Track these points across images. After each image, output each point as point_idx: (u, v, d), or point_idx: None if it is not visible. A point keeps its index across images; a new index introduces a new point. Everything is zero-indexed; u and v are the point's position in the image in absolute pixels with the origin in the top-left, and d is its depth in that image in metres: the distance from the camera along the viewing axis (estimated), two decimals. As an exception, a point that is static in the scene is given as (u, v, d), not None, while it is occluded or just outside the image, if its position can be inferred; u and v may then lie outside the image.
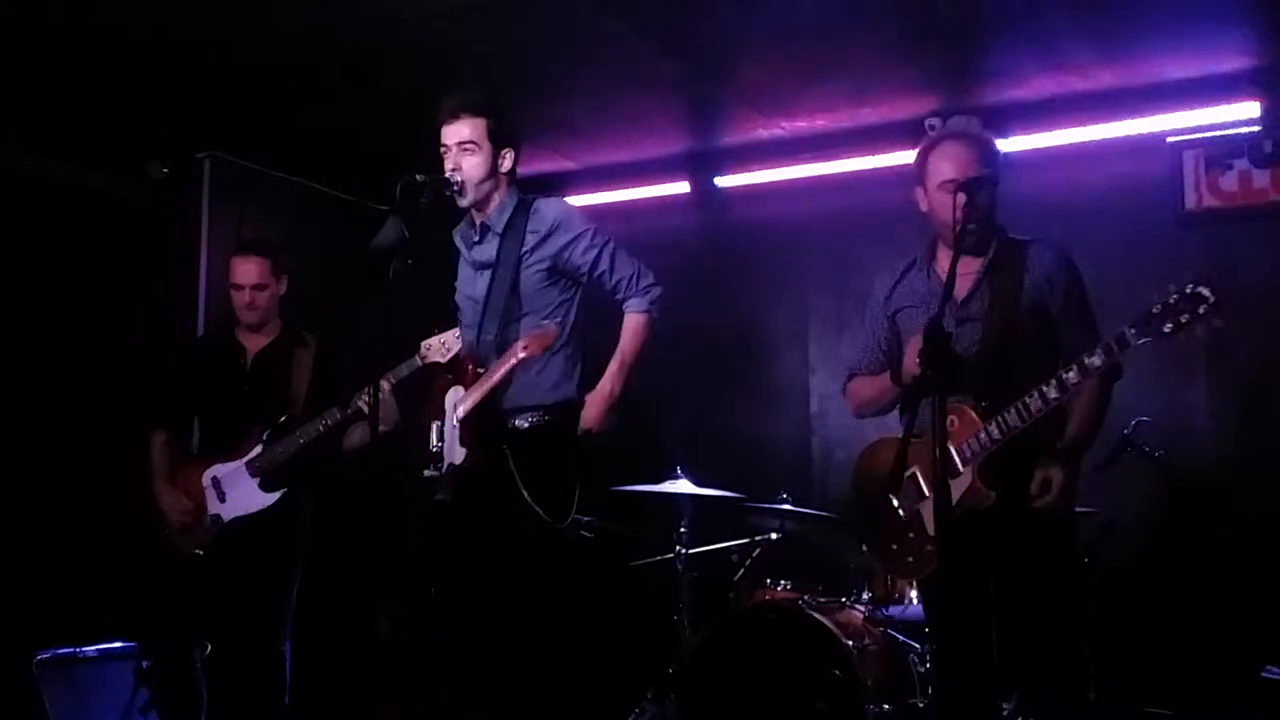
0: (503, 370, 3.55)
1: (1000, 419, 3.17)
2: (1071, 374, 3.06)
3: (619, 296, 3.74)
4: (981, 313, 3.35)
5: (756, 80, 5.15)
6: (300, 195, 6.12)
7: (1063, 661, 3.37)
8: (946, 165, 3.36)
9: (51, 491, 5.34)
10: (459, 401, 3.66)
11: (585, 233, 3.70)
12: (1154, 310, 2.91)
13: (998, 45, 4.76)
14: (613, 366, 3.64)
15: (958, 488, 3.23)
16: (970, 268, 3.38)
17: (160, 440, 4.57)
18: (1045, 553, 3.30)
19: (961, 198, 3.16)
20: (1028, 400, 3.12)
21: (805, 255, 5.95)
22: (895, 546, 3.43)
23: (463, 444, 3.62)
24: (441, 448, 3.71)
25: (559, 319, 3.69)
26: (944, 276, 3.31)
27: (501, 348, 3.63)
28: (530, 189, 3.84)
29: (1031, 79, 5.05)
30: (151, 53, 4.68)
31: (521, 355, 3.49)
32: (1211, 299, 2.84)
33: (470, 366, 3.67)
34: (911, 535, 3.38)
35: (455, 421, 3.65)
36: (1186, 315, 2.86)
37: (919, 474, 3.35)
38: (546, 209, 3.73)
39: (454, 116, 3.64)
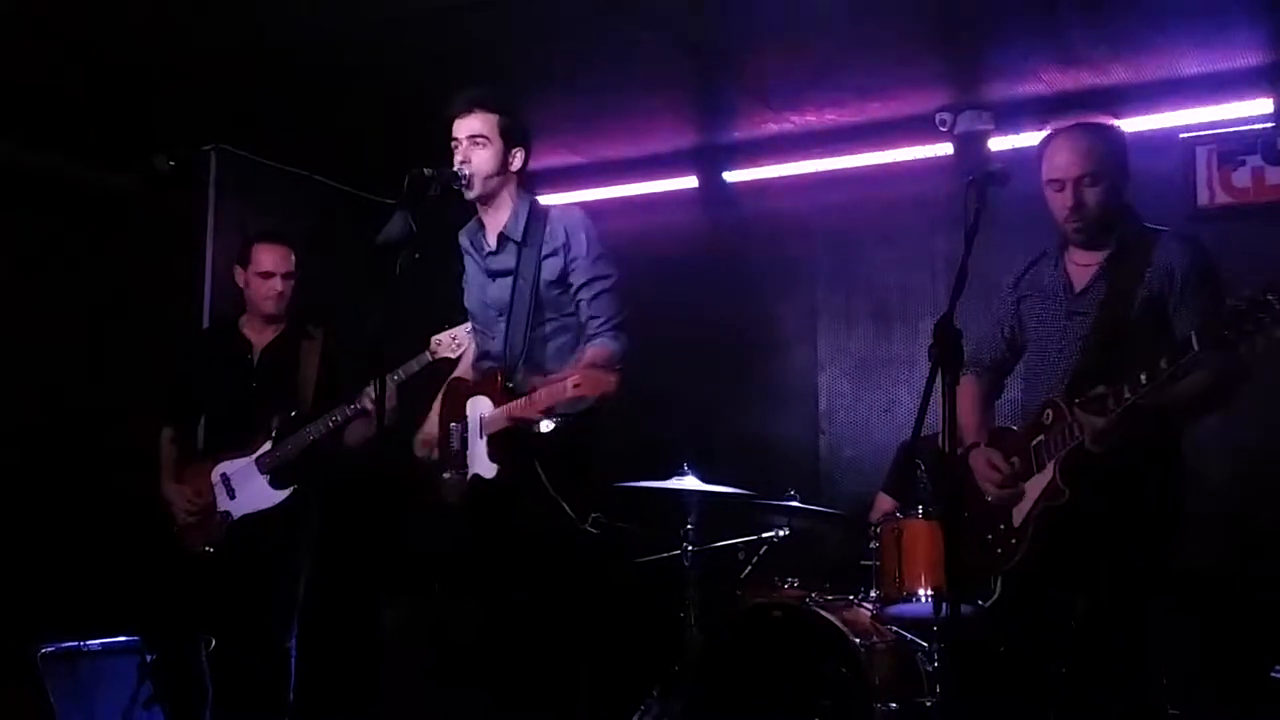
0: (546, 403, 3.43)
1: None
2: (1144, 378, 2.95)
3: (590, 331, 3.64)
4: (1094, 306, 3.27)
5: (765, 74, 5.12)
6: (305, 188, 6.11)
7: (1142, 674, 3.27)
8: (1057, 161, 3.28)
9: (56, 484, 5.33)
10: (485, 414, 3.63)
11: (599, 260, 3.65)
12: (1221, 318, 2.79)
13: (1009, 40, 4.72)
14: (573, 375, 3.36)
15: (1038, 483, 3.21)
16: (1092, 260, 3.32)
17: (168, 437, 4.58)
18: (1134, 560, 3.22)
19: (992, 188, 2.95)
20: (1107, 403, 3.03)
21: (814, 251, 5.92)
22: (990, 536, 3.35)
23: (492, 460, 3.59)
24: (462, 452, 3.69)
25: (576, 323, 3.68)
26: (1069, 271, 3.31)
27: (530, 358, 3.61)
28: (538, 184, 3.82)
29: (1043, 74, 5.01)
30: (156, 46, 4.66)
31: (572, 394, 3.35)
32: (1277, 306, 2.66)
33: (499, 379, 3.62)
34: (1002, 526, 3.33)
35: (481, 435, 3.63)
36: (1250, 325, 2.71)
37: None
38: (565, 220, 3.70)
39: (466, 110, 3.64)
